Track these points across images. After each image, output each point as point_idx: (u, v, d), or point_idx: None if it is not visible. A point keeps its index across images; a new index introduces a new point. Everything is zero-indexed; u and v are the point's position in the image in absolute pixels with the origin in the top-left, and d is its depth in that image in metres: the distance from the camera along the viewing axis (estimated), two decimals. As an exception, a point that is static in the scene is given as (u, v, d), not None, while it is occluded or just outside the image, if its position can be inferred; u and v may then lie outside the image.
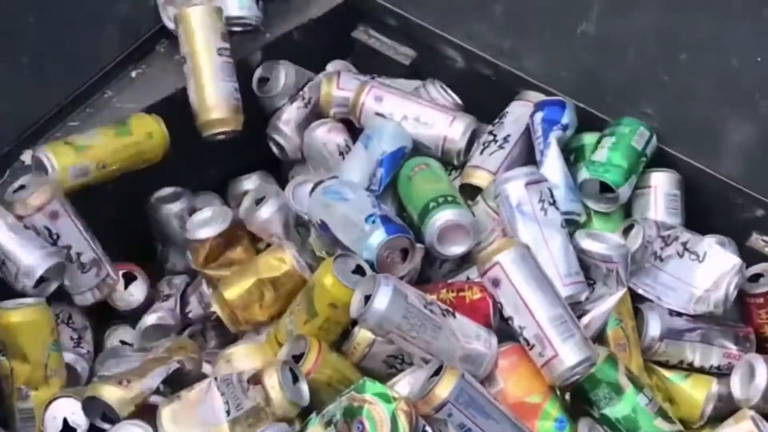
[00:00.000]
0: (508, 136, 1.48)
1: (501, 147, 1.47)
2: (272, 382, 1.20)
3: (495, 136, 1.48)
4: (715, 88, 1.41)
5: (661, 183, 1.45)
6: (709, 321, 1.40)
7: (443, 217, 1.35)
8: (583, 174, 1.43)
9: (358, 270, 1.29)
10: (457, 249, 1.37)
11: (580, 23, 1.47)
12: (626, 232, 1.40)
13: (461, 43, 1.55)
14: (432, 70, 1.61)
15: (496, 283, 1.28)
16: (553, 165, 1.42)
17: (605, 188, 1.42)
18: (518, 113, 1.50)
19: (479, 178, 1.45)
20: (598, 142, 1.45)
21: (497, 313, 1.29)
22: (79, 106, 1.49)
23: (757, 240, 1.43)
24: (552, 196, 1.36)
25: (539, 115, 1.46)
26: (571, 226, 1.38)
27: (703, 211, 1.47)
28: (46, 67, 1.47)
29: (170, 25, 1.54)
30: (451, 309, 1.28)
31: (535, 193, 1.35)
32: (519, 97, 1.52)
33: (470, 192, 1.45)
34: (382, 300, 1.21)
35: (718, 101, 1.42)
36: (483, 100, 1.58)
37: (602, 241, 1.35)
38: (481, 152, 1.47)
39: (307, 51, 1.62)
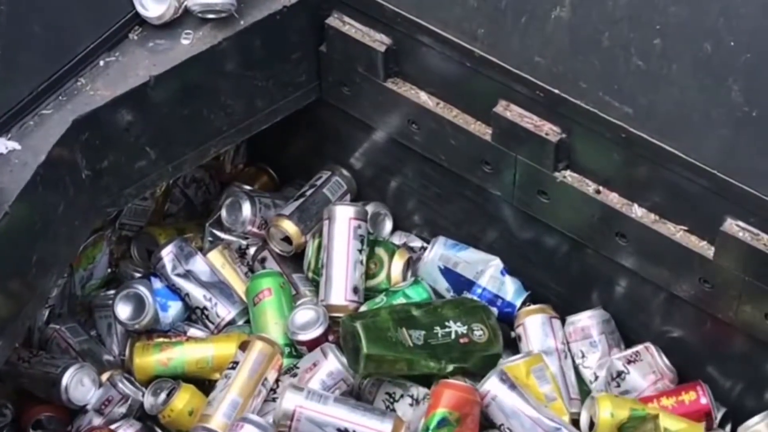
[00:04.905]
0: None
1: None
2: None
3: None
4: (689, 73, 1.41)
5: None
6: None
7: None
8: None
9: None
10: None
11: (555, 9, 1.46)
12: None
13: (436, 30, 1.54)
14: (407, 57, 1.61)
15: None
16: None
17: None
18: None
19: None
20: None
21: None
22: (52, 94, 1.48)
23: (731, 225, 1.42)
24: None
25: None
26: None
27: (676, 196, 1.46)
28: (17, 55, 1.46)
29: (143, 12, 1.53)
30: None
31: None
32: None
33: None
34: None
35: (691, 86, 1.41)
36: (458, 86, 1.59)
37: None
38: None
39: (281, 38, 1.61)
